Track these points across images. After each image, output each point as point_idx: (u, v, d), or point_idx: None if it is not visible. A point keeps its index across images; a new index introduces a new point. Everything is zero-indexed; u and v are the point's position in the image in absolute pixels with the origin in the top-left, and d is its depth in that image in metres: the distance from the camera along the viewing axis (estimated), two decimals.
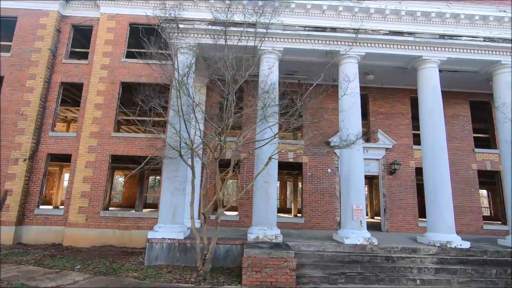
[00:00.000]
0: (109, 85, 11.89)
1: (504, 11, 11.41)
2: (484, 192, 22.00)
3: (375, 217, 20.31)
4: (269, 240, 8.07)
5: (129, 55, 12.23)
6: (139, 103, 7.78)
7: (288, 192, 24.82)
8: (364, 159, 12.03)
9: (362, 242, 8.25)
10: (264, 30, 9.22)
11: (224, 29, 8.52)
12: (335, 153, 11.93)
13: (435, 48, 9.48)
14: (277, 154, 8.94)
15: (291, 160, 11.84)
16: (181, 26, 9.06)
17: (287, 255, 6.59)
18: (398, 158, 11.96)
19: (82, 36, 13.45)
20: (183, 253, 7.93)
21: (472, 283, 7.07)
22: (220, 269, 7.42)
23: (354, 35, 9.24)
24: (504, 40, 9.53)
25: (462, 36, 9.47)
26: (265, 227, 8.33)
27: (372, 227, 13.87)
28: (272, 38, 9.38)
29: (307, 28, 9.35)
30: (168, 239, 8.02)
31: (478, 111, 13.27)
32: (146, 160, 7.42)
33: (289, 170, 17.96)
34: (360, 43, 9.40)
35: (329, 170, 11.83)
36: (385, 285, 6.90)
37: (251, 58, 9.23)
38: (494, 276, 7.44)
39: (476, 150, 12.31)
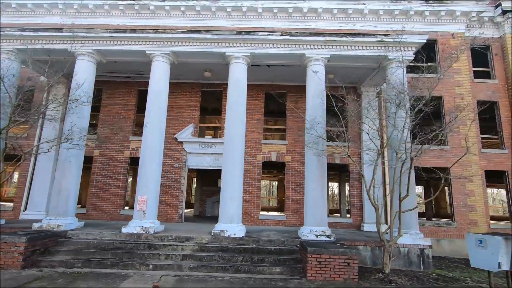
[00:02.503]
0: None
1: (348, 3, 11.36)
2: (336, 185, 24.73)
3: None
4: (50, 229, 8.66)
5: None
6: None
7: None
8: (214, 154, 12.49)
9: (139, 231, 8.69)
10: (72, 34, 9.90)
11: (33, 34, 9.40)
12: (184, 148, 12.38)
13: (236, 44, 9.74)
14: (82, 151, 9.58)
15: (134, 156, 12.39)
16: None
17: (18, 240, 7.16)
18: (246, 152, 12.17)
19: None
20: None
21: (203, 268, 7.36)
22: None
23: (152, 35, 9.68)
24: (303, 33, 9.66)
25: (259, 32, 9.68)
26: (53, 217, 8.94)
27: None
28: (87, 41, 9.93)
29: (109, 30, 9.87)
30: None
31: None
32: None
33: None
34: (164, 42, 9.81)
35: (176, 165, 12.26)
36: (118, 269, 7.32)
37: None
38: (238, 262, 7.68)
39: (328, 143, 12.29)
